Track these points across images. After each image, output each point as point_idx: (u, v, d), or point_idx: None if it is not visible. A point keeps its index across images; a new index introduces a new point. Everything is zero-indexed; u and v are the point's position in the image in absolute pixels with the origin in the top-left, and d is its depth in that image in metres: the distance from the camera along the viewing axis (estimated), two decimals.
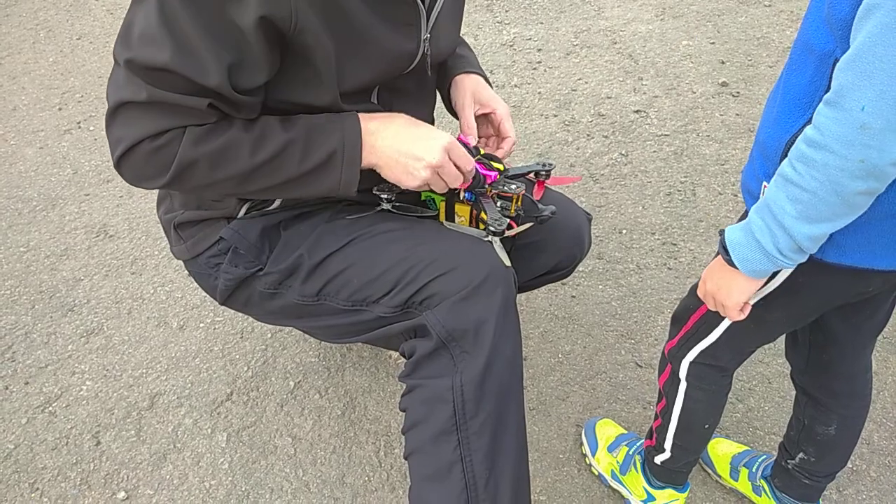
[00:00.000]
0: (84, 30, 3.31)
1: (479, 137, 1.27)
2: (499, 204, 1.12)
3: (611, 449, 1.43)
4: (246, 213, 1.14)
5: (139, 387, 1.65)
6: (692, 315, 1.12)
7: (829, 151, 0.73)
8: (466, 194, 1.13)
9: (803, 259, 0.83)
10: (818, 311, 1.03)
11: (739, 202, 2.11)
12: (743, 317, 0.95)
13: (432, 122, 1.28)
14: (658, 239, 2.01)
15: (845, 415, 1.18)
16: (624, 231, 2.05)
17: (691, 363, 1.15)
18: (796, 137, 0.81)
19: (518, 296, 1.54)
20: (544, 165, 1.24)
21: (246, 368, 1.69)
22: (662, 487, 1.33)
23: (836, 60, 0.76)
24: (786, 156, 0.83)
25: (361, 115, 1.03)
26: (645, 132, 2.45)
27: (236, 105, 0.95)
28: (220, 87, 0.90)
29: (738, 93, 2.62)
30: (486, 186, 1.12)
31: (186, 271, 1.25)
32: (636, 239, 2.02)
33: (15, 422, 1.58)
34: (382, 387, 1.63)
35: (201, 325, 1.81)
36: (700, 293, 1.01)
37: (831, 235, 0.82)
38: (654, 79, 2.73)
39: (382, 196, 1.14)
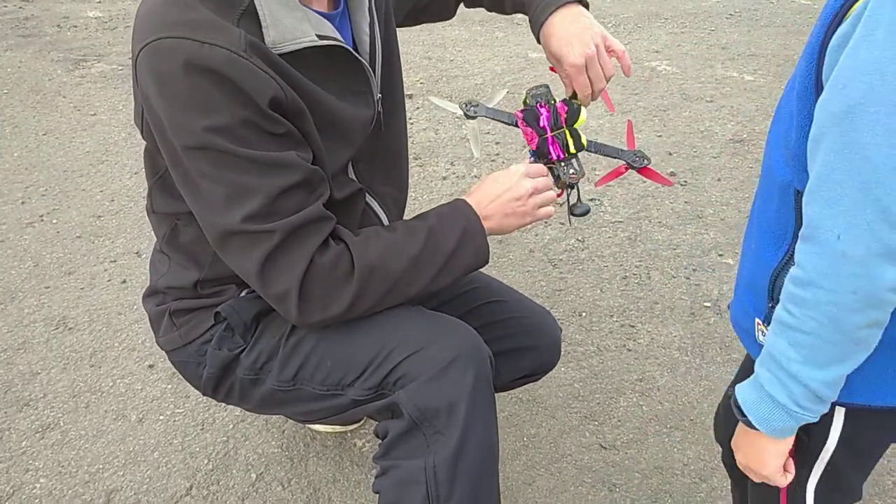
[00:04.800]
0: (50, 126, 3.36)
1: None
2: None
3: None
4: (246, 294, 1.16)
5: (95, 483, 1.60)
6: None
7: (818, 287, 0.69)
8: (531, 153, 1.23)
9: (825, 409, 0.76)
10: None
11: (692, 285, 2.20)
12: (789, 478, 0.87)
13: (406, 185, 1.33)
14: (616, 321, 2.07)
15: None
16: (583, 314, 2.10)
17: None
18: (781, 269, 0.80)
19: None
20: (637, 155, 1.21)
21: (206, 461, 1.65)
22: None
23: (797, 191, 0.75)
24: (774, 288, 0.81)
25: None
26: (600, 219, 2.55)
27: (325, 191, 1.02)
28: (310, 172, 0.97)
29: (685, 182, 2.76)
30: (553, 163, 1.22)
31: (168, 362, 1.24)
32: (595, 321, 2.07)
33: None
34: (347, 476, 1.61)
35: (161, 417, 1.77)
36: (741, 468, 0.90)
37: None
38: (607, 170, 2.86)
39: None
